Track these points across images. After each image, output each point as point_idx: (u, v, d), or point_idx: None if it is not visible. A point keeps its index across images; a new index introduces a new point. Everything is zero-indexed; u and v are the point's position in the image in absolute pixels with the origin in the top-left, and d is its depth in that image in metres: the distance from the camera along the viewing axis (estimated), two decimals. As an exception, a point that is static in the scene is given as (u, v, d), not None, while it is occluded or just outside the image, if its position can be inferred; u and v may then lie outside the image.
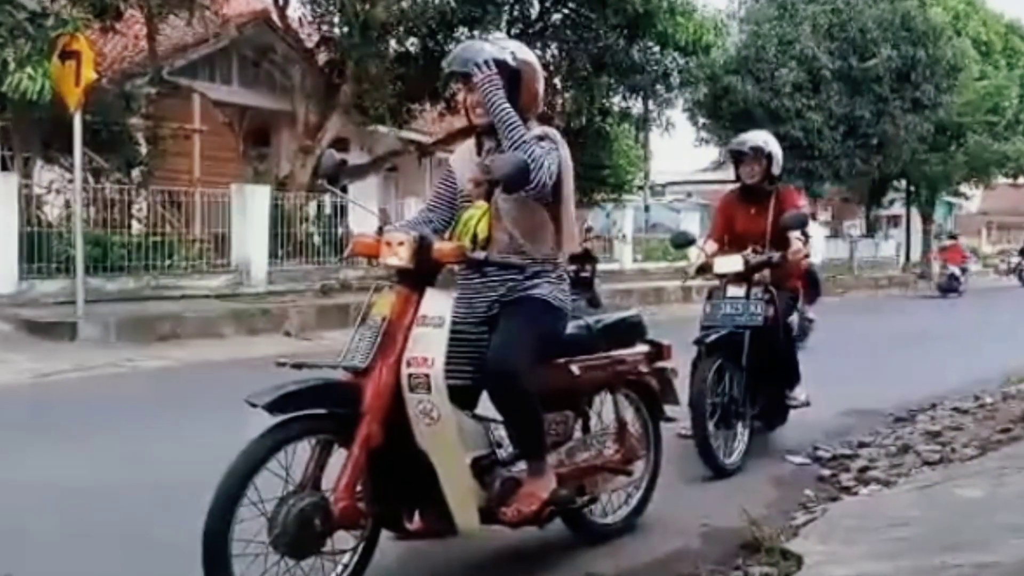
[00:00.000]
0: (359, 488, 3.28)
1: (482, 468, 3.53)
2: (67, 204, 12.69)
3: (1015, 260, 35.90)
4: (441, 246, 3.45)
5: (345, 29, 15.99)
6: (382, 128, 18.51)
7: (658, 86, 19.50)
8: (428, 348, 3.30)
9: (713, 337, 5.60)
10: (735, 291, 5.76)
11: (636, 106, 20.75)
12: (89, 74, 10.81)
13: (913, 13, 24.09)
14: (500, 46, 3.81)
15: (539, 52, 16.16)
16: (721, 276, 5.88)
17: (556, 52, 18.01)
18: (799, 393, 6.18)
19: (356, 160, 17.57)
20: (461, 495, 3.43)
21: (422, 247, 3.38)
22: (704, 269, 6.04)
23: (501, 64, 3.65)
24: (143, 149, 14.43)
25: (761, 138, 6.20)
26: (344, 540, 3.35)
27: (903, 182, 33.17)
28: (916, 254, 35.76)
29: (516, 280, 3.74)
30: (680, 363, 4.71)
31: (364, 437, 3.23)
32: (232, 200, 14.49)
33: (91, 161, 12.70)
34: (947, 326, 15.97)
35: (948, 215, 46.18)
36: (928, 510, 4.40)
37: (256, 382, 3.13)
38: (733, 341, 5.61)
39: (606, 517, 4.29)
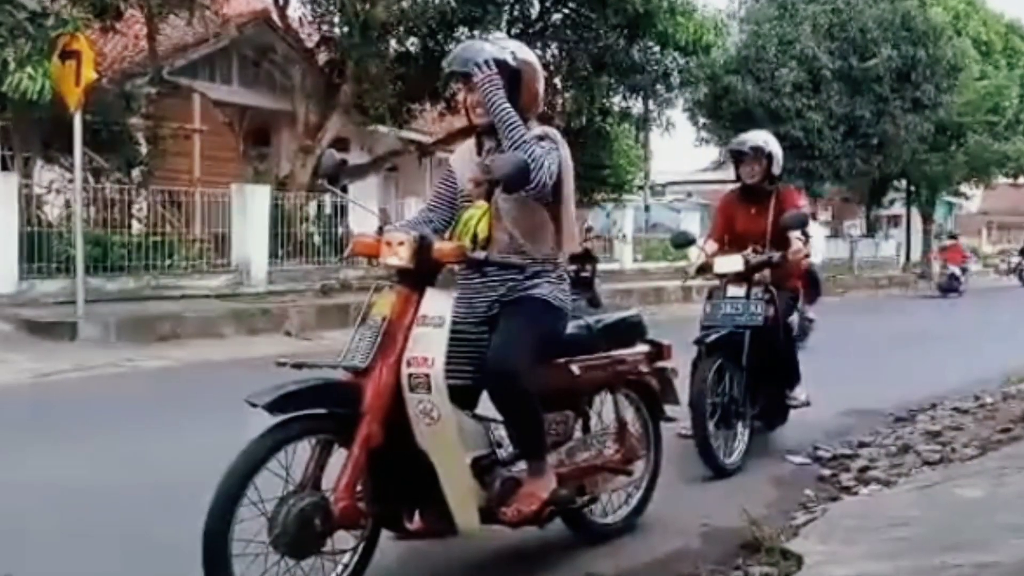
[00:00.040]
0: (359, 488, 3.28)
1: (482, 468, 3.53)
2: (67, 204, 12.69)
3: (1015, 260, 35.89)
4: (441, 246, 3.45)
5: (345, 29, 15.99)
6: (382, 128, 18.51)
7: (658, 86, 19.50)
8: (428, 348, 3.30)
9: (713, 337, 5.60)
10: (735, 291, 5.75)
11: (636, 106, 20.77)
12: (89, 74, 10.81)
13: (913, 13, 24.09)
14: (500, 46, 3.81)
15: (539, 52, 16.17)
16: (721, 276, 5.87)
17: (556, 52, 18.01)
18: (799, 393, 6.17)
19: (356, 160, 17.57)
20: (461, 495, 3.43)
21: (422, 247, 3.38)
22: (704, 269, 6.04)
23: (501, 64, 3.65)
24: (143, 149, 14.43)
25: (761, 138, 6.20)
26: (344, 540, 3.35)
27: (903, 182, 33.18)
28: (916, 254, 35.78)
29: (516, 280, 3.74)
30: (680, 363, 4.71)
31: (364, 437, 3.22)
32: (232, 200, 14.49)
33: (91, 161, 12.70)
34: (947, 326, 15.97)
35: (948, 215, 46.17)
36: (928, 510, 4.40)
37: (256, 382, 3.13)
38: (733, 341, 5.61)
39: (606, 517, 4.29)
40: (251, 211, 14.43)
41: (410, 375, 3.29)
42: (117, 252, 12.65)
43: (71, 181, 12.11)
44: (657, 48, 18.79)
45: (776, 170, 6.13)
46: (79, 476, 5.07)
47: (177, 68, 16.33)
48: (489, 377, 3.57)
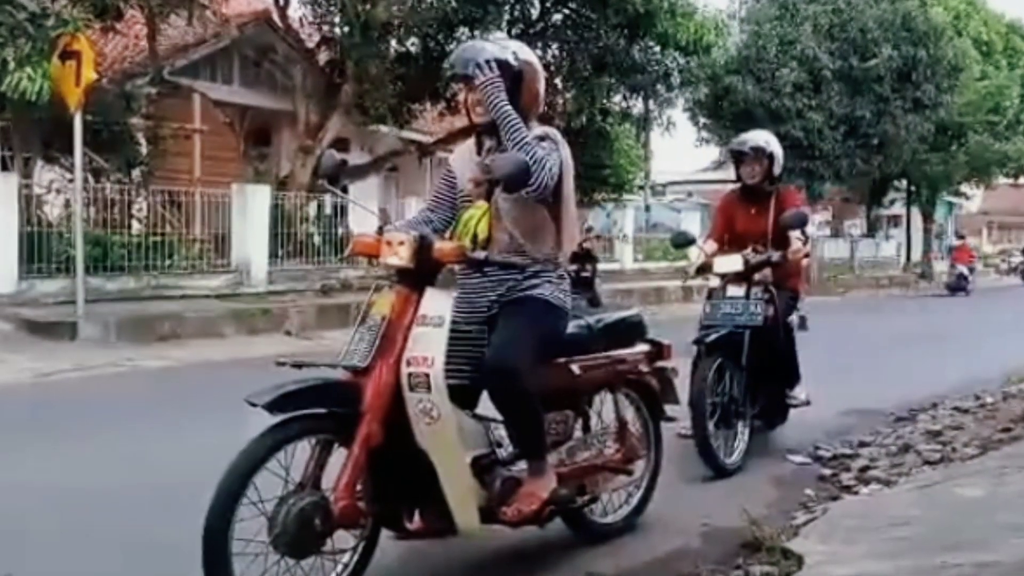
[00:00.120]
0: (359, 487, 3.28)
1: (482, 467, 3.53)
2: (67, 204, 12.69)
3: (1016, 260, 35.96)
4: (442, 246, 3.45)
5: (346, 29, 15.99)
6: (383, 128, 18.50)
7: (659, 86, 19.49)
8: (428, 347, 3.30)
9: (713, 337, 5.60)
10: (735, 291, 5.75)
11: (637, 106, 20.76)
12: (89, 74, 10.81)
13: (914, 13, 24.06)
14: (501, 46, 3.82)
15: (540, 52, 16.17)
16: (721, 276, 5.87)
17: (557, 52, 18.01)
18: (799, 392, 6.17)
19: (356, 160, 17.56)
20: (461, 494, 3.43)
21: (422, 247, 3.38)
22: (704, 269, 6.04)
23: (503, 64, 3.65)
24: (143, 149, 14.41)
25: (762, 138, 6.19)
26: (344, 539, 3.35)
27: (904, 182, 33.19)
28: (917, 254, 35.78)
29: (516, 280, 3.74)
30: (680, 363, 4.71)
31: (364, 436, 3.22)
32: (232, 200, 14.49)
33: (91, 161, 12.69)
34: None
35: (949, 215, 46.18)
36: (929, 509, 4.40)
37: (256, 382, 3.13)
38: (733, 341, 5.61)
39: (606, 516, 4.29)
40: (251, 211, 14.43)
41: (410, 374, 3.29)
42: (117, 252, 12.64)
43: (71, 181, 12.11)
44: (658, 48, 18.79)
45: (777, 170, 6.13)
46: (79, 476, 5.07)
47: (177, 68, 16.32)
48: (489, 377, 3.57)
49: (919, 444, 6.02)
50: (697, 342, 5.65)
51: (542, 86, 3.88)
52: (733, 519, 4.30)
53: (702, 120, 25.74)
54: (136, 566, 3.80)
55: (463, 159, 3.96)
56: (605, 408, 4.23)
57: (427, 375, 3.27)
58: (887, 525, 4.08)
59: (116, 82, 14.20)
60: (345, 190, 13.52)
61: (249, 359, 9.34)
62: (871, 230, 36.42)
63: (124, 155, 13.71)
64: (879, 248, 36.05)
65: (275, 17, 17.23)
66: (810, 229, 7.21)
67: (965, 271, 25.11)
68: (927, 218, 35.05)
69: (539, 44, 16.81)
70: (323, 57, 17.33)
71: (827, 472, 5.47)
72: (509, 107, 3.59)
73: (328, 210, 16.61)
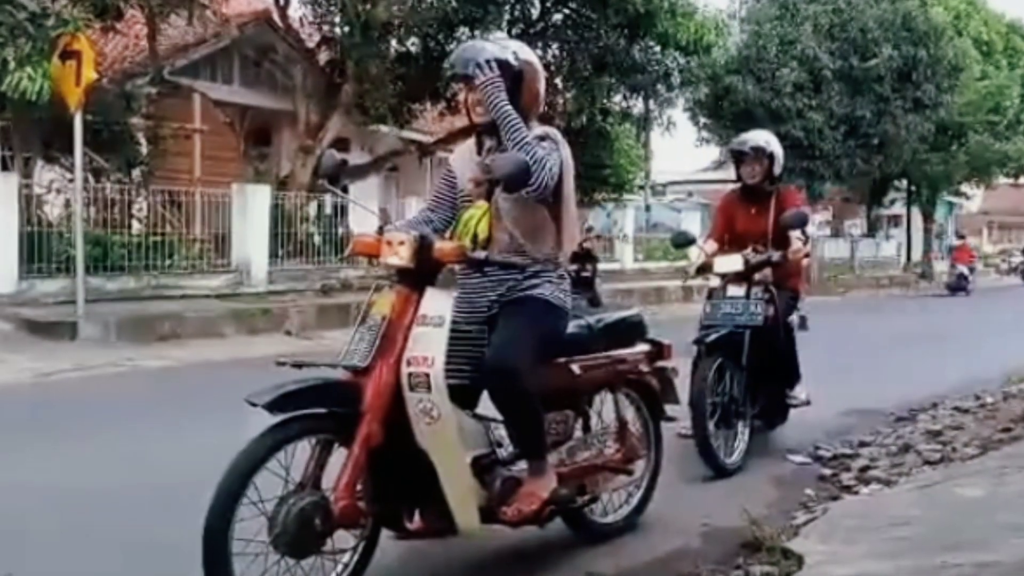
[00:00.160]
0: (359, 487, 3.28)
1: (482, 467, 3.53)
2: (67, 204, 12.69)
3: (1016, 260, 35.99)
4: (442, 246, 3.45)
5: (346, 29, 15.99)
6: (383, 128, 18.50)
7: (659, 86, 19.49)
8: (428, 347, 3.30)
9: (713, 336, 5.60)
10: (735, 290, 5.75)
11: (637, 106, 20.77)
12: (90, 74, 10.81)
13: (914, 13, 24.06)
14: (502, 46, 3.82)
15: (540, 52, 16.17)
16: (721, 276, 5.87)
17: (557, 52, 18.01)
18: (799, 392, 6.17)
19: (357, 160, 17.56)
20: (461, 494, 3.43)
21: (423, 247, 3.38)
22: (704, 269, 6.04)
23: (503, 64, 3.65)
24: (144, 149, 14.41)
25: (762, 138, 6.19)
26: (344, 539, 3.35)
27: (904, 182, 33.19)
28: (917, 254, 35.78)
29: (517, 280, 3.74)
30: (680, 363, 4.71)
31: (364, 436, 3.22)
32: (233, 200, 14.49)
33: (91, 161, 12.69)
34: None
35: (949, 215, 46.18)
36: (929, 509, 4.40)
37: (256, 382, 3.13)
38: (733, 340, 5.61)
39: (607, 516, 4.29)
40: (251, 211, 14.43)
41: (410, 374, 3.29)
42: (117, 252, 12.64)
43: (71, 181, 12.11)
44: (658, 48, 18.79)
45: (777, 170, 6.13)
46: (79, 476, 5.08)
47: (178, 68, 16.32)
48: (489, 376, 3.57)
49: (919, 444, 6.02)
50: (697, 342, 5.65)
51: (542, 86, 3.88)
52: (733, 519, 4.30)
53: (702, 120, 25.74)
54: (136, 566, 3.80)
55: (463, 159, 3.96)
56: (605, 408, 4.23)
57: (427, 375, 3.27)
58: (887, 525, 4.08)
59: (116, 82, 14.20)
60: (345, 190, 13.51)
61: (249, 359, 9.34)
62: (871, 230, 36.42)
63: (124, 155, 13.71)
64: (879, 248, 36.06)
65: (275, 17, 17.23)
66: (810, 229, 7.22)
67: (965, 271, 25.18)
68: (927, 218, 35.05)
69: (539, 44, 16.81)
70: (323, 57, 17.33)
71: (827, 472, 5.47)
72: (509, 107, 3.59)
73: (328, 210, 16.61)
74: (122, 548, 3.96)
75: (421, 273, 3.40)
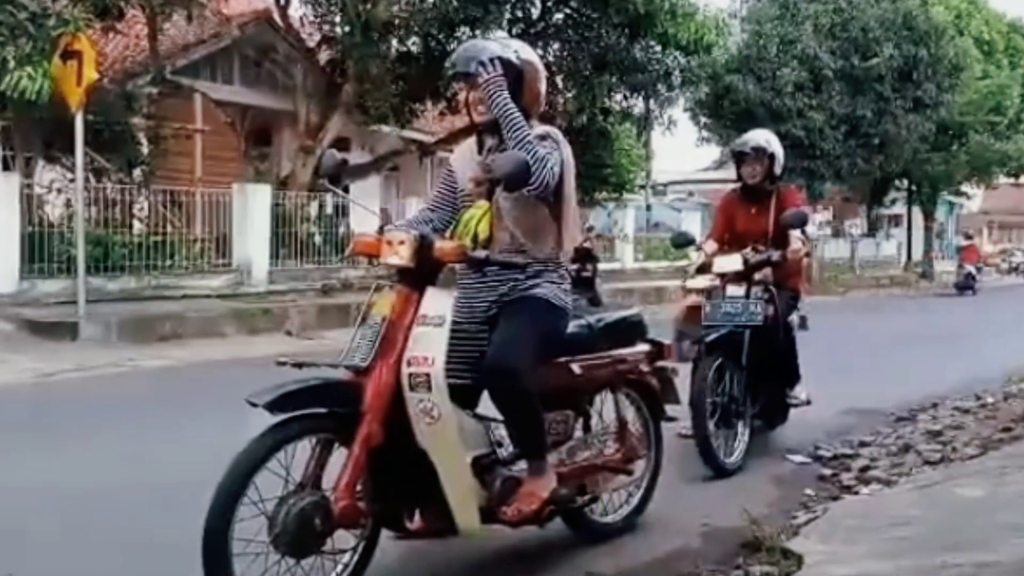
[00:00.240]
0: (359, 487, 3.28)
1: (482, 467, 3.53)
2: (68, 204, 12.69)
3: (1016, 259, 36.03)
4: (442, 245, 3.45)
5: (346, 29, 15.99)
6: (384, 128, 18.50)
7: (660, 85, 19.46)
8: (428, 347, 3.30)
9: (713, 336, 5.60)
10: (735, 290, 5.75)
11: (638, 105, 20.70)
12: (91, 74, 10.82)
13: (915, 12, 24.04)
14: (504, 45, 3.82)
15: (541, 52, 16.16)
16: (721, 276, 5.88)
17: (558, 52, 17.99)
18: (800, 392, 6.17)
19: (357, 160, 17.56)
20: (461, 494, 3.43)
21: (423, 246, 3.38)
22: (704, 269, 6.04)
23: (506, 63, 3.65)
24: (144, 149, 14.42)
25: (763, 138, 6.19)
26: (344, 539, 3.35)
27: (905, 181, 33.17)
28: (917, 253, 35.77)
29: (517, 279, 3.74)
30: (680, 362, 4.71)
31: (364, 436, 3.22)
32: (233, 200, 14.49)
33: (92, 161, 12.69)
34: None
35: (949, 214, 46.17)
36: (929, 509, 4.40)
37: (257, 381, 3.13)
38: (733, 340, 5.61)
39: (607, 516, 4.29)
40: (252, 211, 14.44)
41: (410, 374, 3.29)
42: (118, 252, 12.64)
43: (72, 181, 12.12)
44: (658, 47, 18.77)
45: (777, 170, 6.13)
46: (80, 476, 5.08)
47: (178, 68, 16.32)
48: (489, 376, 3.57)
49: (919, 444, 6.02)
50: (697, 342, 5.65)
51: (543, 86, 3.88)
52: (733, 519, 4.30)
53: (703, 119, 25.73)
54: (136, 566, 3.81)
55: (464, 158, 3.96)
56: (605, 408, 4.23)
57: (427, 375, 3.27)
58: (887, 525, 4.08)
59: (117, 82, 14.21)
60: (346, 190, 13.52)
61: (250, 359, 9.34)
62: (872, 230, 36.41)
63: (125, 155, 13.71)
64: (880, 248, 36.06)
65: (276, 16, 17.22)
66: (810, 229, 7.27)
67: (973, 271, 25.38)
68: (928, 217, 35.03)
69: (540, 43, 16.81)
70: (324, 57, 17.33)
71: (827, 472, 5.47)
72: (512, 105, 3.59)
73: (329, 210, 16.60)
74: (122, 548, 3.97)
75: (421, 273, 3.40)
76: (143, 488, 4.80)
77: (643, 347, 4.32)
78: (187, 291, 13.19)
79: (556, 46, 18.00)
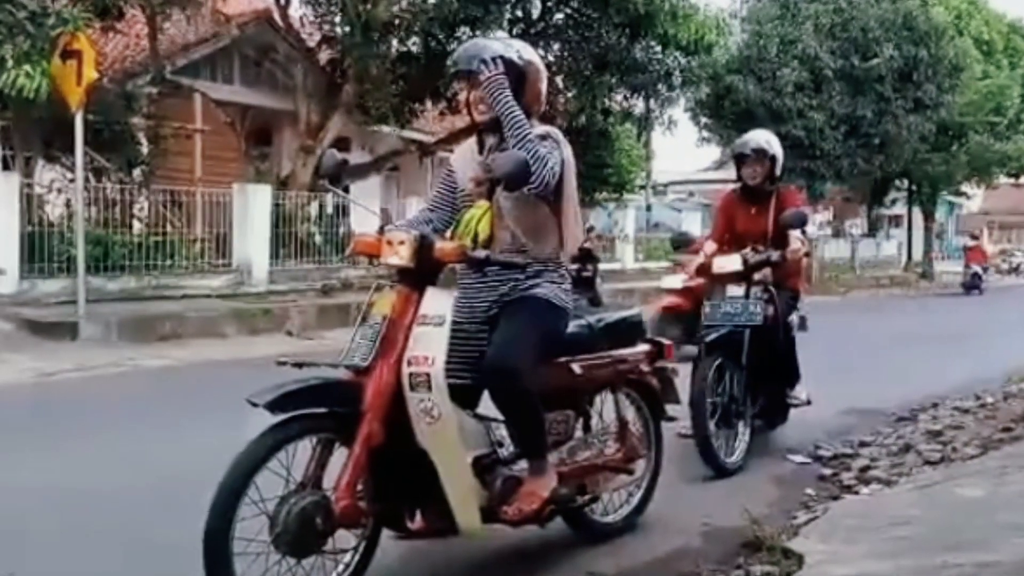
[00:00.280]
0: (360, 487, 3.28)
1: (483, 467, 3.54)
2: (68, 204, 12.69)
3: (1017, 259, 36.07)
4: (443, 245, 3.45)
5: (347, 28, 15.98)
6: (384, 128, 18.50)
7: (660, 85, 19.46)
8: (429, 347, 3.30)
9: (713, 336, 5.60)
10: (734, 290, 5.75)
11: (638, 105, 20.71)
12: (90, 73, 10.82)
13: (915, 13, 24.03)
14: (505, 44, 3.82)
15: (541, 52, 16.15)
16: (709, 276, 5.89)
17: (558, 52, 18.00)
18: (800, 392, 6.18)
19: (357, 160, 17.56)
20: (462, 494, 3.43)
21: (423, 246, 3.38)
22: (704, 269, 6.04)
23: (508, 62, 3.65)
24: (144, 149, 14.41)
25: (763, 139, 6.18)
26: (345, 539, 3.35)
27: (905, 182, 33.16)
28: (918, 253, 35.77)
29: (518, 279, 3.74)
30: (680, 362, 4.71)
31: (365, 436, 3.22)
32: (233, 200, 14.48)
33: (92, 161, 12.69)
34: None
35: (950, 215, 46.16)
36: (929, 509, 4.40)
37: (257, 381, 3.13)
38: (733, 340, 5.61)
39: (607, 516, 4.29)
40: (252, 211, 14.43)
41: (411, 374, 3.29)
42: (118, 252, 12.63)
43: (72, 181, 12.11)
44: (659, 48, 18.77)
45: (778, 171, 6.13)
46: (80, 476, 5.08)
47: (178, 68, 16.31)
48: (490, 376, 3.57)
49: (920, 444, 6.02)
50: (697, 342, 5.65)
51: (544, 86, 3.89)
52: (734, 519, 4.30)
53: (703, 120, 25.72)
54: (137, 566, 3.81)
55: (464, 158, 3.96)
56: (606, 408, 4.23)
57: (428, 375, 3.27)
58: (888, 525, 4.08)
59: (117, 81, 14.20)
60: (346, 190, 13.52)
61: (250, 359, 9.34)
62: (872, 230, 36.42)
63: (125, 155, 13.71)
64: (880, 248, 36.07)
65: (276, 16, 17.21)
66: (810, 229, 7.29)
67: (979, 271, 25.49)
68: (928, 218, 35.02)
69: (540, 43, 16.80)
70: (324, 56, 17.32)
71: (828, 472, 5.47)
72: (514, 103, 3.59)
73: (329, 210, 16.59)
74: (123, 548, 3.97)
75: (422, 273, 3.40)
76: (143, 488, 4.80)
77: (643, 347, 4.33)
78: (187, 291, 13.18)
79: (556, 46, 18.00)
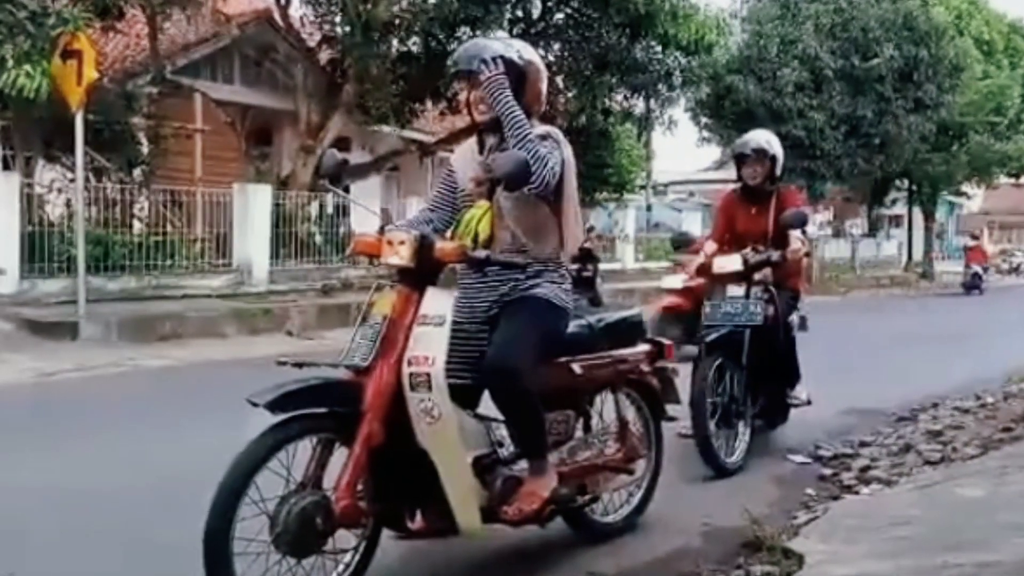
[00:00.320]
0: (360, 487, 3.28)
1: (483, 467, 3.54)
2: (69, 203, 12.69)
3: (1017, 259, 36.09)
4: (443, 245, 3.45)
5: (347, 28, 15.98)
6: (384, 128, 18.50)
7: (660, 85, 19.46)
8: (429, 347, 3.30)
9: (713, 336, 5.60)
10: (735, 290, 5.75)
11: (638, 105, 20.71)
12: (91, 73, 10.82)
13: (915, 13, 24.03)
14: (506, 44, 3.82)
15: (541, 52, 16.13)
16: (710, 276, 5.89)
17: (558, 52, 18.00)
18: (800, 392, 6.18)
19: (358, 159, 17.56)
20: (462, 494, 3.43)
21: (423, 246, 3.38)
22: (704, 269, 6.04)
23: (508, 62, 3.65)
24: (145, 148, 14.41)
25: (764, 139, 6.18)
26: (345, 539, 3.35)
27: (905, 182, 33.16)
28: (918, 253, 35.77)
29: (518, 279, 3.74)
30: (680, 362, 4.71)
31: (365, 436, 3.22)
32: (234, 200, 14.48)
33: (93, 160, 12.69)
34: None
35: (950, 215, 46.14)
36: (929, 509, 4.40)
37: (257, 381, 3.13)
38: (733, 340, 5.61)
39: (607, 516, 4.29)
40: (253, 211, 14.43)
41: (411, 374, 3.29)
42: (118, 252, 12.63)
43: (72, 180, 12.11)
44: (659, 48, 18.77)
45: (778, 171, 6.13)
46: (80, 476, 5.08)
47: (179, 67, 16.31)
48: (490, 376, 3.57)
49: (920, 444, 6.02)
50: (697, 342, 5.65)
51: (544, 86, 3.89)
52: (734, 518, 4.30)
53: (704, 120, 25.73)
54: (137, 566, 3.81)
55: (464, 158, 3.96)
56: (606, 408, 4.23)
57: (428, 374, 3.27)
58: (888, 525, 4.08)
59: (117, 81, 14.20)
60: (347, 190, 13.53)
61: (250, 359, 9.34)
62: (872, 230, 36.42)
63: (125, 154, 13.71)
64: (880, 248, 36.07)
65: (276, 16, 17.21)
66: (811, 229, 7.29)
67: (980, 271, 25.54)
68: (928, 218, 35.03)
69: (541, 43, 16.80)
70: (324, 56, 17.32)
71: (828, 472, 5.47)
72: (514, 103, 3.59)
73: (329, 210, 16.60)
74: (123, 548, 3.97)
75: (422, 273, 3.40)
76: (143, 488, 4.80)
77: (644, 347, 4.33)
78: (187, 291, 13.18)
79: (557, 46, 18.00)
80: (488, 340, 3.66)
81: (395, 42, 16.69)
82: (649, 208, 30.17)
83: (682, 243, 6.52)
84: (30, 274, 11.85)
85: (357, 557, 3.41)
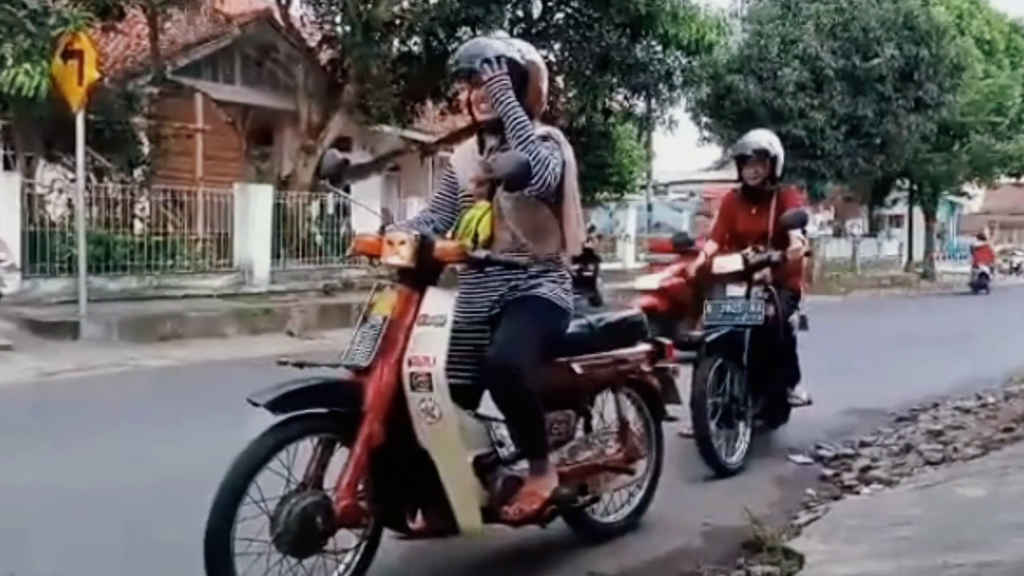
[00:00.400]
0: (361, 487, 3.28)
1: (484, 467, 3.54)
2: (70, 203, 12.69)
3: (1017, 259, 36.12)
4: (443, 245, 3.46)
5: (347, 28, 15.99)
6: (385, 128, 18.50)
7: (661, 85, 19.46)
8: (429, 347, 3.30)
9: (714, 336, 5.60)
10: (735, 290, 5.75)
11: (639, 105, 20.71)
12: (92, 73, 10.82)
13: (916, 12, 24.01)
14: (507, 44, 3.82)
15: (542, 52, 16.10)
16: (721, 276, 5.89)
17: (559, 52, 17.99)
18: (800, 392, 6.18)
19: (358, 159, 17.55)
20: (463, 494, 3.43)
21: (424, 246, 3.38)
22: (704, 269, 6.04)
23: (510, 62, 3.64)
24: (146, 148, 14.43)
25: (765, 140, 6.19)
26: (346, 539, 3.35)
27: (906, 181, 33.15)
28: (919, 253, 35.77)
29: (519, 279, 3.74)
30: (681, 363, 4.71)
31: (366, 436, 3.22)
32: (235, 200, 14.49)
33: (94, 160, 12.69)
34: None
35: (951, 215, 46.11)
36: (930, 509, 4.40)
37: (258, 381, 3.13)
38: (734, 340, 5.61)
39: (608, 516, 4.29)
40: (253, 211, 14.44)
41: (411, 374, 3.29)
42: (119, 252, 12.64)
43: (73, 180, 12.12)
44: (660, 48, 18.76)
45: (778, 171, 6.14)
46: (81, 476, 5.08)
47: (179, 67, 16.32)
48: (490, 376, 3.57)
49: (920, 444, 6.02)
50: (698, 342, 5.65)
51: (545, 86, 3.89)
52: (735, 519, 4.30)
53: (704, 119, 25.71)
54: (137, 566, 3.81)
55: (465, 159, 3.96)
56: (607, 408, 4.23)
57: (429, 374, 3.27)
58: (889, 525, 4.08)
59: (118, 81, 14.22)
60: (347, 190, 13.54)
61: (251, 359, 9.35)
62: (873, 230, 36.40)
63: (126, 154, 13.72)
64: (881, 248, 36.05)
65: (277, 16, 17.22)
66: (811, 229, 7.29)
67: (987, 270, 25.68)
68: (929, 218, 35.01)
69: (541, 43, 16.79)
70: (325, 56, 17.33)
71: (829, 472, 5.47)
72: (516, 103, 3.58)
73: (330, 210, 16.61)
74: (123, 548, 3.97)
75: (422, 273, 3.40)
76: (143, 488, 4.80)
77: (644, 347, 4.32)
78: (188, 291, 13.19)
79: (557, 46, 17.99)
80: (489, 340, 3.66)
81: (396, 42, 16.69)
82: (650, 208, 30.09)
83: (682, 243, 6.50)
84: (31, 274, 11.86)
85: (358, 557, 3.41)
